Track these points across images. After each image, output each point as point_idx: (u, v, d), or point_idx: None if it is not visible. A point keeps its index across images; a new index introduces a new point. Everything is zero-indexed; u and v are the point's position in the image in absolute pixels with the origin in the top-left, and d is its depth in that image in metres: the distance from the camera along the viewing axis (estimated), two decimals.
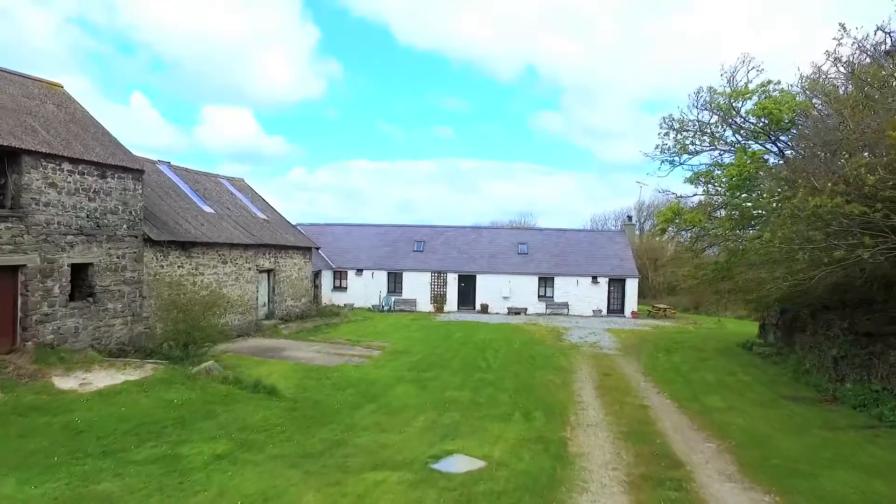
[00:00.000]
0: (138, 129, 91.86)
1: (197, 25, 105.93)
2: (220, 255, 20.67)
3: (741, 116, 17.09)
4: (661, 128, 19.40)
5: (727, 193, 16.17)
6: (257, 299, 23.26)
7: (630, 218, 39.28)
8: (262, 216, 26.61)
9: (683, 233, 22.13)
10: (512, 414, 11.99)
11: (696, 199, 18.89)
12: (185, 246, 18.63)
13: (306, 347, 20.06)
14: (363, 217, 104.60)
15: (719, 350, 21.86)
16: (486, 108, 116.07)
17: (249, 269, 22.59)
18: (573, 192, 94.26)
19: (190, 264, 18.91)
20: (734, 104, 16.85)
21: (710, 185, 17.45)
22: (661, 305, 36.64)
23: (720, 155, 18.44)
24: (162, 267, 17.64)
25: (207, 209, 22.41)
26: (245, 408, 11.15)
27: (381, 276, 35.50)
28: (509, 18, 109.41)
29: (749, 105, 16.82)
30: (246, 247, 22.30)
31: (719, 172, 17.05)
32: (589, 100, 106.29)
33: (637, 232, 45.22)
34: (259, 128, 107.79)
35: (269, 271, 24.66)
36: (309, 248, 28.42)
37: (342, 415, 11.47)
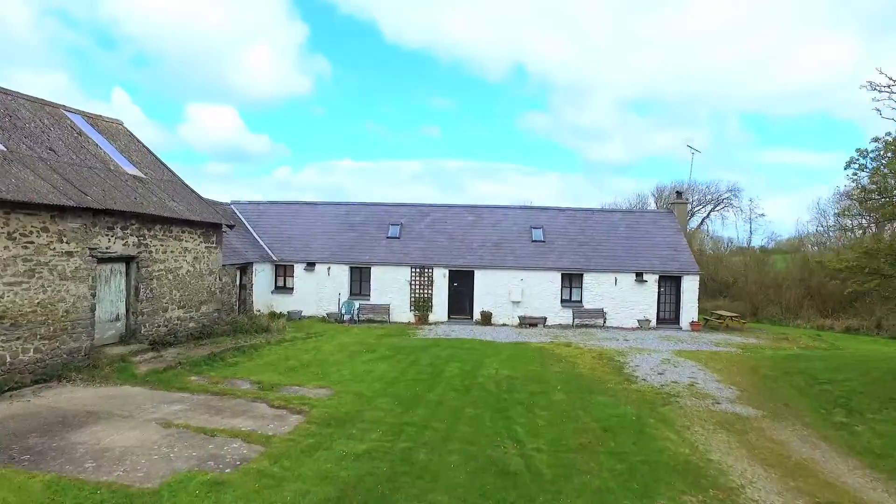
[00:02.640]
0: None
1: (182, 20, 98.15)
2: None
3: None
4: None
5: None
6: (93, 309, 12.90)
7: (680, 194, 28.42)
8: (133, 171, 16.21)
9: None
10: None
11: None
12: None
13: (151, 412, 9.84)
14: None
15: None
16: (474, 108, 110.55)
17: (71, 252, 12.25)
18: (560, 192, 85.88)
19: None
20: None
21: None
22: (725, 313, 26.77)
23: None
24: None
25: None
26: None
27: (342, 273, 25.15)
28: (498, 17, 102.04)
29: None
30: (61, 211, 11.93)
31: None
32: (576, 100, 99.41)
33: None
34: (243, 125, 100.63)
35: (127, 259, 14.31)
36: (217, 226, 18.03)
37: None
